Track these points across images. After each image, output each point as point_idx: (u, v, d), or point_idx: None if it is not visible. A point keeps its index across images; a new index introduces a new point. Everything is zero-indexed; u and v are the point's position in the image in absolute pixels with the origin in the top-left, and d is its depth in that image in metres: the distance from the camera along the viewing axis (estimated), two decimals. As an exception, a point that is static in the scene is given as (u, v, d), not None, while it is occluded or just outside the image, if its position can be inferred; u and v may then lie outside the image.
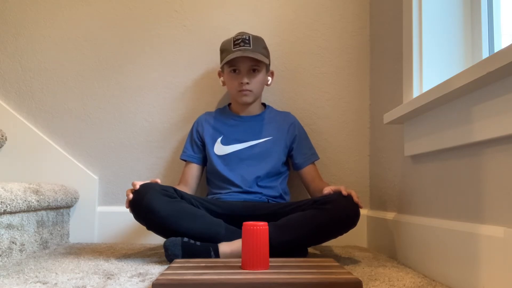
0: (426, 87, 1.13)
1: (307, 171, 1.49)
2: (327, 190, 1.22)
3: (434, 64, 1.15)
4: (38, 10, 1.72)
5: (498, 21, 1.07)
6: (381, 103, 1.53)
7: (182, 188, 1.41)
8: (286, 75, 1.68)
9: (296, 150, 1.50)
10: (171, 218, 1.18)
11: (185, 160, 1.53)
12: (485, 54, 1.09)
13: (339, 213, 1.18)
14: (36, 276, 0.99)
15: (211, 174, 1.50)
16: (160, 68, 1.70)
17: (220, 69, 1.53)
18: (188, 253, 1.14)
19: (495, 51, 0.90)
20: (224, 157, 1.47)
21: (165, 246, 1.14)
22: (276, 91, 1.68)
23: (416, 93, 1.15)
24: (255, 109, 1.52)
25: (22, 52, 1.71)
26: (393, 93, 1.38)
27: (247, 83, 1.43)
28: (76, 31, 1.71)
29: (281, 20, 1.70)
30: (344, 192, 1.19)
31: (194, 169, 1.51)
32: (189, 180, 1.50)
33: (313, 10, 1.70)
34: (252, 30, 1.64)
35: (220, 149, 1.48)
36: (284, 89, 1.68)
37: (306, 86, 1.68)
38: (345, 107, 1.68)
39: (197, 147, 1.52)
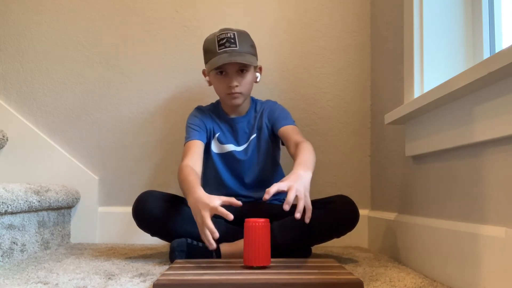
0: (427, 88, 1.13)
1: (282, 131, 1.37)
2: (274, 187, 1.03)
3: (435, 64, 1.15)
4: (39, 11, 1.72)
5: (499, 21, 1.07)
6: (382, 104, 1.53)
7: (193, 165, 1.27)
8: (287, 75, 1.68)
9: (272, 122, 1.42)
10: (173, 223, 1.21)
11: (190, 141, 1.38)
12: (486, 54, 1.09)
13: (341, 212, 1.20)
14: (37, 277, 0.99)
15: (208, 175, 1.45)
16: (161, 69, 1.70)
17: (205, 68, 1.42)
18: (191, 254, 1.15)
19: (496, 51, 0.90)
20: (222, 156, 1.42)
21: (172, 247, 1.16)
22: (276, 92, 1.67)
23: (417, 93, 1.15)
24: (244, 108, 1.44)
25: (23, 52, 1.72)
26: (394, 94, 1.38)
27: (237, 86, 1.33)
28: (77, 32, 1.71)
29: (281, 21, 1.70)
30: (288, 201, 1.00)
31: (200, 147, 1.36)
32: (197, 157, 1.32)
33: (314, 10, 1.69)
34: (253, 30, 1.63)
35: (217, 146, 1.43)
36: (284, 89, 1.68)
37: (307, 86, 1.68)
38: (346, 108, 1.67)
39: (201, 129, 1.40)
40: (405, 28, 1.23)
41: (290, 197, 1.01)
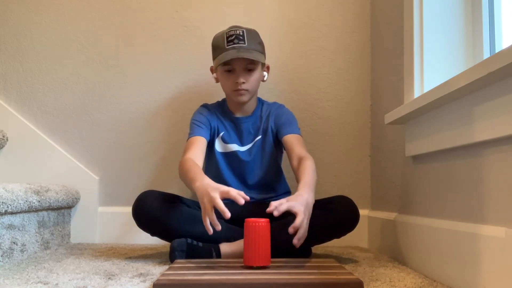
0: (427, 88, 1.13)
1: (286, 139, 1.37)
2: (272, 206, 1.02)
3: (435, 64, 1.15)
4: (39, 10, 1.72)
5: (499, 21, 1.07)
6: (382, 103, 1.53)
7: (195, 159, 1.28)
8: (287, 75, 1.68)
9: (278, 127, 1.42)
10: (173, 223, 1.21)
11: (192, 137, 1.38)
12: (486, 54, 1.09)
13: (342, 213, 1.20)
14: (37, 277, 0.99)
15: (210, 173, 1.45)
16: (161, 68, 1.70)
17: (213, 65, 1.44)
18: (191, 253, 1.15)
19: (496, 51, 0.90)
20: (225, 155, 1.43)
21: (172, 247, 1.15)
22: (276, 92, 1.67)
23: (417, 93, 1.15)
24: (250, 108, 1.44)
25: (23, 52, 1.71)
26: (394, 94, 1.38)
27: (243, 82, 1.34)
28: (77, 32, 1.71)
29: (281, 21, 1.70)
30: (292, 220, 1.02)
31: (203, 143, 1.36)
32: (200, 153, 1.33)
33: (314, 10, 1.69)
34: (253, 30, 1.64)
35: (221, 145, 1.43)
36: (284, 89, 1.68)
37: (307, 86, 1.68)
38: (346, 108, 1.67)
39: (205, 126, 1.40)
40: (405, 28, 1.23)
41: (297, 223, 1.01)
